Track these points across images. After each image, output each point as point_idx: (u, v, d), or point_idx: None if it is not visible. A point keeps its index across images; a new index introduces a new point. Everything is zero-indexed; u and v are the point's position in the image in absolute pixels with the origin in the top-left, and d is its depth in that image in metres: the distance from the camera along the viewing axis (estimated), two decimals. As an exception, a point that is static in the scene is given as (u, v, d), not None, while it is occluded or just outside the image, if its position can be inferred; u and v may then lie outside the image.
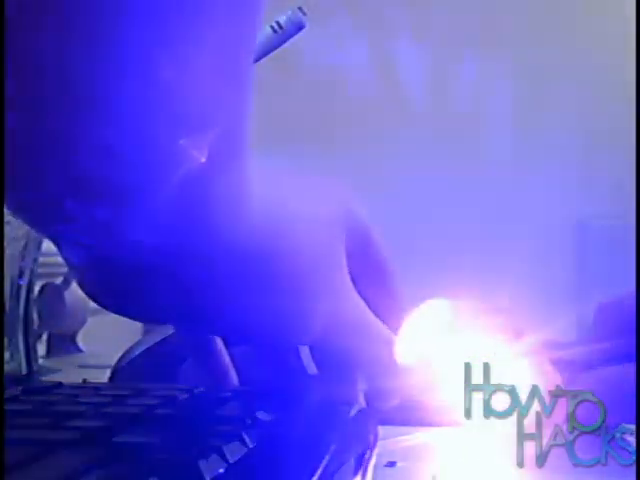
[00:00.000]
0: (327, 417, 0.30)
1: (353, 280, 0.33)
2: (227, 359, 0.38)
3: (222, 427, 0.25)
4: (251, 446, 0.24)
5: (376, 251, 0.36)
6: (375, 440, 0.32)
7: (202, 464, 0.21)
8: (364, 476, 0.27)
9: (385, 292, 0.37)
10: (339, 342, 0.32)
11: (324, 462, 0.23)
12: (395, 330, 0.36)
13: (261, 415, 0.28)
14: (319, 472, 0.22)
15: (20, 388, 0.33)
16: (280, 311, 0.30)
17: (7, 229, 0.48)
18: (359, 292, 0.34)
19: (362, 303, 0.33)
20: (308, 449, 0.24)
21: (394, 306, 0.37)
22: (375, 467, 0.33)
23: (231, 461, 0.22)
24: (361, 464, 0.28)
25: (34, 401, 0.29)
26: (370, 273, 0.36)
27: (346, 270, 0.33)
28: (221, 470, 0.21)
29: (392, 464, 0.35)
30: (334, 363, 0.34)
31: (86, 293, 0.30)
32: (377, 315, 0.34)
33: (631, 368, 0.36)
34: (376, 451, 0.31)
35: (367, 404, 0.36)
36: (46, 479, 0.20)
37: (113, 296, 0.29)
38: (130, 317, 0.30)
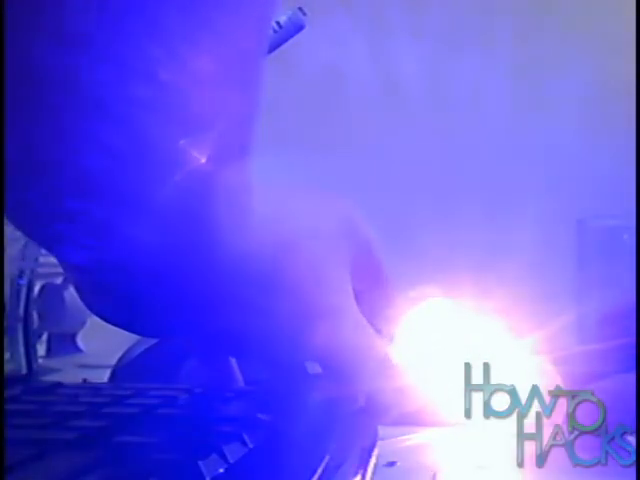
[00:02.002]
0: (327, 417, 0.30)
1: (354, 295, 0.33)
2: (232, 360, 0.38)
3: (222, 427, 0.25)
4: (251, 446, 0.24)
5: (378, 266, 0.36)
6: (375, 440, 0.32)
7: (202, 464, 0.21)
8: (364, 476, 0.27)
9: (385, 306, 0.36)
10: (339, 359, 0.32)
11: (324, 462, 0.23)
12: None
13: (261, 415, 0.28)
14: (319, 472, 0.22)
15: (20, 388, 0.33)
16: (280, 326, 0.30)
17: (7, 229, 0.48)
18: (359, 306, 0.33)
19: (363, 320, 0.33)
20: (308, 449, 0.24)
21: (394, 320, 0.37)
22: (375, 467, 0.33)
23: (231, 461, 0.22)
24: (361, 464, 0.28)
25: (34, 401, 0.29)
26: (371, 289, 0.35)
27: (349, 287, 0.32)
28: (221, 470, 0.21)
29: (392, 464, 0.35)
30: (334, 377, 0.34)
31: (83, 300, 0.29)
32: (376, 329, 0.34)
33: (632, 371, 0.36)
34: (376, 451, 0.31)
35: (367, 406, 0.36)
36: (46, 479, 0.20)
37: (111, 303, 0.29)
38: (127, 329, 0.30)
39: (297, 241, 0.30)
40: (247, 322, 0.29)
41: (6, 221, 0.41)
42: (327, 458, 0.24)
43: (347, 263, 0.33)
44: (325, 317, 0.31)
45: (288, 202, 0.31)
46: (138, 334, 0.34)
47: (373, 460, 0.30)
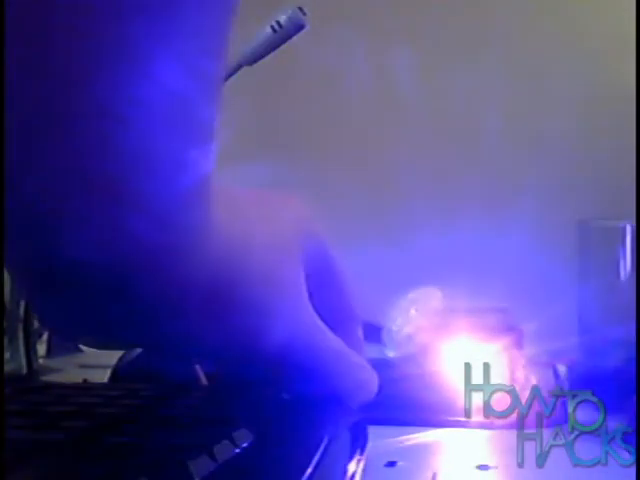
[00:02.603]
0: (316, 420, 0.30)
1: (310, 298, 0.33)
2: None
3: (212, 427, 0.25)
4: (241, 446, 0.24)
5: (332, 264, 0.36)
6: (365, 442, 0.32)
7: (191, 464, 0.20)
8: (353, 477, 0.27)
9: (342, 308, 0.36)
10: (295, 360, 0.32)
11: (314, 462, 0.23)
12: (352, 343, 0.35)
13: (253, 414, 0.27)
14: (308, 472, 0.22)
15: (20, 388, 0.33)
16: (235, 331, 0.29)
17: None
18: (316, 309, 0.33)
19: (321, 323, 0.33)
20: (297, 450, 0.24)
21: (352, 322, 0.36)
22: (375, 467, 0.32)
23: (220, 461, 0.22)
24: (349, 467, 0.27)
25: (33, 401, 0.29)
26: (328, 290, 0.35)
27: (304, 289, 0.32)
28: (210, 470, 0.21)
29: (393, 464, 0.35)
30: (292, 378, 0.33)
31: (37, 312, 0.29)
32: (334, 330, 0.34)
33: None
34: (366, 453, 0.31)
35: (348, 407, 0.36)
36: (42, 479, 0.20)
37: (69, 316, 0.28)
38: (84, 340, 0.30)
39: (250, 243, 0.30)
40: (204, 327, 0.28)
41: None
42: (317, 458, 0.23)
43: (301, 263, 0.32)
44: (280, 318, 0.30)
45: (240, 204, 0.31)
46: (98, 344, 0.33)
47: (363, 462, 0.30)
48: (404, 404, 0.44)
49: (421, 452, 0.38)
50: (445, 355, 0.49)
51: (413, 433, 0.40)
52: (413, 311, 0.57)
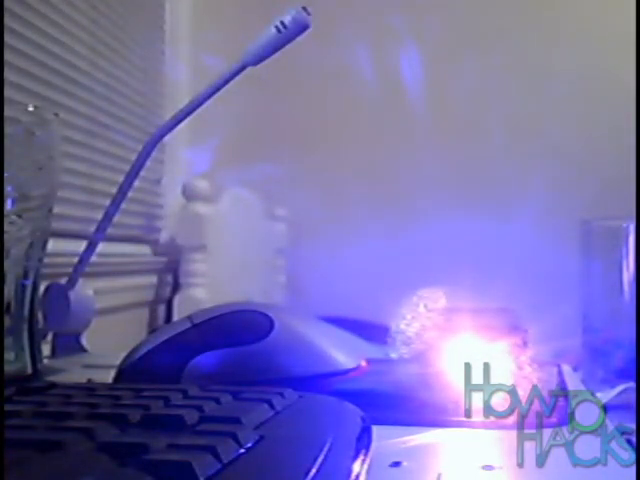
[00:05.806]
0: (320, 419, 0.30)
1: None
2: None
3: (216, 427, 0.25)
4: (246, 446, 0.24)
5: None
6: (369, 442, 0.32)
7: (196, 464, 0.21)
8: (358, 478, 0.27)
9: None
10: None
11: (318, 462, 0.23)
12: None
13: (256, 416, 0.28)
14: (312, 472, 0.22)
15: (22, 388, 0.33)
16: None
17: (12, 229, 0.48)
18: None
19: None
20: (301, 451, 0.24)
21: None
22: (380, 467, 0.32)
23: (225, 461, 0.22)
24: (353, 468, 0.27)
25: (32, 401, 0.29)
26: None
27: None
28: (215, 470, 0.21)
29: (397, 464, 0.35)
30: None
31: None
32: None
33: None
34: (371, 453, 0.31)
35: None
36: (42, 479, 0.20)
37: None
38: None
39: None
40: None
41: (11, 221, 0.40)
42: (321, 459, 0.23)
43: None
44: None
45: None
46: None
47: (367, 462, 0.30)
48: (409, 404, 0.44)
49: (426, 452, 0.38)
50: (450, 355, 0.49)
51: (418, 433, 0.40)
52: (422, 307, 0.57)
